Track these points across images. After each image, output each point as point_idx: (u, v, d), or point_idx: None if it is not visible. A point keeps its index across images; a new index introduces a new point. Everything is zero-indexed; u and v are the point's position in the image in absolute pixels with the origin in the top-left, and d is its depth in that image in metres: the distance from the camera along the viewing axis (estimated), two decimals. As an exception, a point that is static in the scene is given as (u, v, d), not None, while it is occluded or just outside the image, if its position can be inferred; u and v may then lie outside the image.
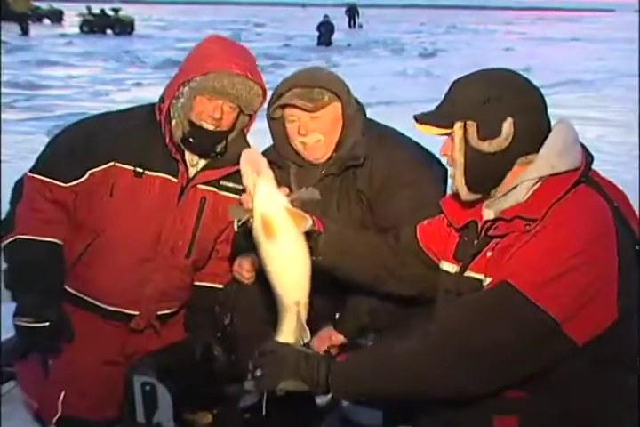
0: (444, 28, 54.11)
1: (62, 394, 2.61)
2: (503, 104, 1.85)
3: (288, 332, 1.92)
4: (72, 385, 2.62)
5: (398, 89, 15.03)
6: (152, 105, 2.61)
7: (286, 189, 1.95)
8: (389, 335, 2.56)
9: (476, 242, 1.95)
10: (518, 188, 1.86)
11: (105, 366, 2.66)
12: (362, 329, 2.67)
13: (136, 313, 2.68)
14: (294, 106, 2.53)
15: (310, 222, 1.94)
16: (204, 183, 2.62)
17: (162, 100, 2.52)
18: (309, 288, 1.92)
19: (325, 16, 31.53)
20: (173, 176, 2.58)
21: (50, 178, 2.54)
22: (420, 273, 2.18)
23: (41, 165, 2.58)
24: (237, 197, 2.60)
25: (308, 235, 1.98)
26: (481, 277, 1.88)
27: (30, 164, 2.63)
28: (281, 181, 2.62)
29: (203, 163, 2.62)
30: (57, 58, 22.12)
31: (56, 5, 49.96)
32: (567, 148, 1.87)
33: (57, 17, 47.21)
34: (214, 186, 2.64)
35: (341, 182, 2.62)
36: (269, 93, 2.58)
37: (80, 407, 2.62)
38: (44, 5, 48.57)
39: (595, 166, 1.93)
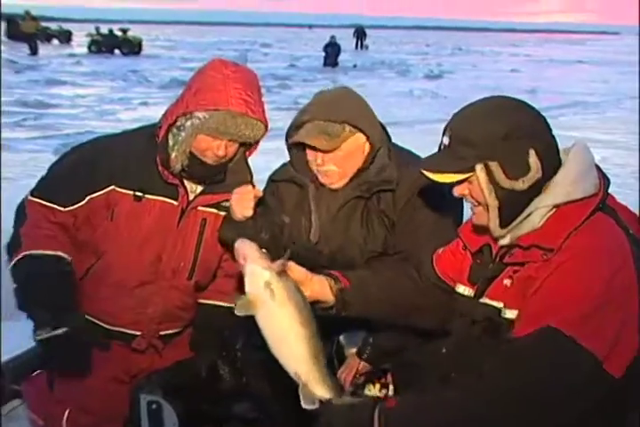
0: (450, 49, 54.45)
1: (67, 411, 2.61)
2: (522, 137, 1.77)
3: (317, 386, 1.84)
4: (77, 402, 2.61)
5: (404, 110, 15.11)
6: (153, 127, 2.60)
7: (279, 263, 1.87)
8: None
9: (490, 266, 1.93)
10: (533, 215, 1.81)
11: (110, 383, 2.65)
12: (385, 355, 2.67)
13: (138, 333, 2.68)
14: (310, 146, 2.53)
15: (288, 303, 1.84)
16: (203, 205, 2.63)
17: (160, 124, 2.52)
18: (316, 354, 1.85)
19: (332, 37, 31.68)
20: (173, 199, 2.58)
21: (49, 202, 2.54)
22: (440, 301, 2.12)
23: (41, 189, 2.59)
24: None
25: (333, 292, 2.01)
26: (498, 305, 1.85)
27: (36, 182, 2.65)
28: (300, 200, 2.67)
29: (201, 187, 2.62)
30: (65, 77, 22.26)
31: (65, 26, 50.39)
32: (583, 174, 1.82)
33: (66, 37, 47.57)
34: (214, 207, 2.64)
35: (365, 205, 2.61)
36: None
37: (84, 425, 2.61)
38: (53, 26, 48.96)
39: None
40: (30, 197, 2.57)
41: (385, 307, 2.16)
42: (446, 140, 1.84)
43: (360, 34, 47.87)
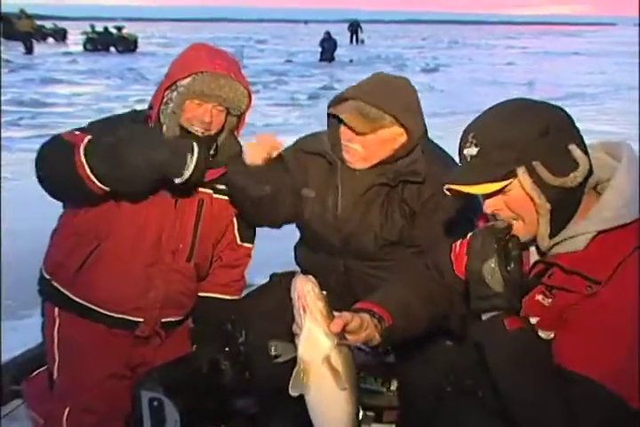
0: (446, 43, 54.36)
1: (67, 410, 2.61)
2: (561, 131, 1.68)
3: None
4: (76, 400, 2.61)
5: (401, 104, 15.02)
6: (133, 111, 2.65)
7: (339, 325, 1.78)
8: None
9: (525, 279, 1.82)
10: (577, 238, 1.71)
11: (110, 379, 2.64)
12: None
13: (140, 320, 2.68)
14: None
15: (345, 383, 1.76)
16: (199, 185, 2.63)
17: (150, 106, 2.55)
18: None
19: (327, 32, 31.62)
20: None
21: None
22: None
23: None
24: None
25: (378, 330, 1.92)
26: (530, 319, 1.78)
27: (35, 181, 2.62)
28: (328, 176, 2.66)
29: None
30: (61, 76, 22.20)
31: (60, 24, 50.27)
32: (636, 192, 1.70)
33: (61, 35, 47.46)
34: (209, 188, 2.65)
35: (388, 193, 2.61)
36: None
37: (85, 423, 2.61)
38: (48, 24, 48.83)
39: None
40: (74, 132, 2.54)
41: (424, 324, 2.09)
42: (472, 151, 1.70)
43: (355, 28, 47.76)
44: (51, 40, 47.03)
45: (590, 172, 1.71)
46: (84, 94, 17.78)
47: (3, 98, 16.06)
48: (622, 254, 1.66)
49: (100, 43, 38.10)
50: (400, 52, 39.66)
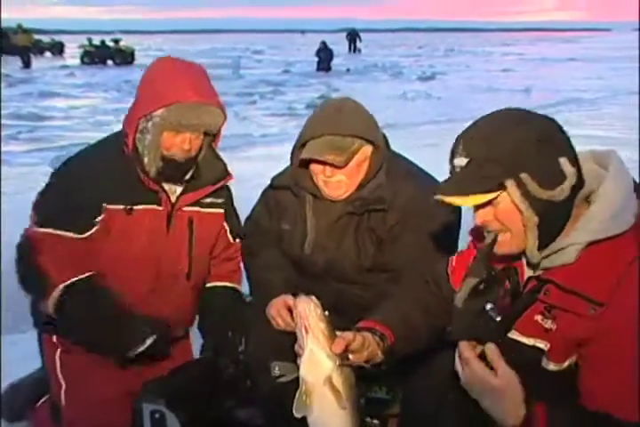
0: (443, 50, 54.52)
1: None
2: (550, 143, 1.66)
3: None
4: (90, 422, 2.58)
5: (398, 112, 15.06)
6: (116, 137, 2.60)
7: (340, 345, 1.79)
8: None
9: (512, 282, 1.83)
10: (567, 250, 1.69)
11: (124, 397, 2.60)
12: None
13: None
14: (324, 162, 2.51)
15: (346, 403, 1.75)
16: (187, 205, 2.64)
17: (125, 134, 2.52)
18: None
19: (323, 42, 31.69)
20: (158, 205, 2.59)
21: (64, 231, 2.51)
22: None
23: (50, 219, 2.53)
24: (218, 210, 2.73)
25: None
26: (529, 342, 1.77)
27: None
28: (298, 209, 2.68)
29: (180, 188, 2.63)
30: (59, 89, 22.22)
31: (57, 38, 50.40)
32: (625, 202, 1.69)
33: (58, 49, 47.67)
34: (196, 205, 2.67)
35: (357, 221, 2.61)
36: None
37: None
38: (45, 38, 48.97)
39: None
40: (39, 229, 2.53)
41: (425, 337, 2.09)
42: (462, 162, 1.69)
43: (353, 37, 47.89)
44: (48, 54, 47.23)
45: (581, 183, 1.70)
46: (81, 107, 17.80)
47: (2, 112, 16.11)
48: (618, 270, 1.63)
49: (97, 56, 38.25)
50: (397, 60, 39.76)
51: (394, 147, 2.72)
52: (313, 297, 1.82)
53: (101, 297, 2.50)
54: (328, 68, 30.70)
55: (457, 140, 1.73)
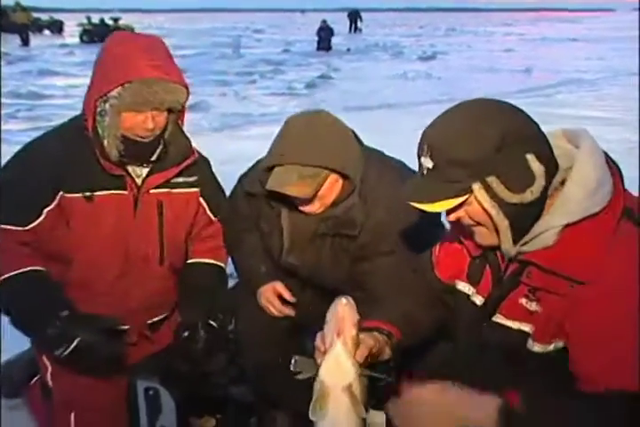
0: (443, 30, 54.26)
1: (73, 414, 2.55)
2: (516, 142, 1.60)
3: None
4: (80, 402, 2.56)
5: (398, 92, 15.00)
6: (80, 119, 2.48)
7: (364, 356, 1.79)
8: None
9: (501, 279, 1.81)
10: (545, 234, 1.67)
11: (109, 378, 2.58)
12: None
13: (126, 328, 2.64)
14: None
15: (364, 412, 1.75)
16: (154, 187, 2.56)
17: (84, 117, 2.41)
18: None
19: (324, 21, 31.54)
20: (123, 190, 2.51)
21: (7, 225, 2.43)
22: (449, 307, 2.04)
23: None
24: (191, 190, 2.62)
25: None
26: (514, 325, 1.77)
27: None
28: (273, 215, 2.59)
29: (146, 170, 2.54)
30: (58, 68, 22.14)
31: (56, 16, 50.10)
32: (599, 181, 1.65)
33: (57, 27, 47.40)
34: (166, 187, 2.57)
35: (332, 240, 2.55)
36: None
37: (94, 422, 2.56)
38: (44, 16, 48.68)
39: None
40: None
41: (427, 329, 2.09)
42: (428, 163, 1.64)
43: (355, 17, 47.62)
44: (47, 32, 46.94)
45: (555, 169, 1.66)
46: (80, 86, 17.64)
47: (1, 90, 16.08)
48: (597, 248, 1.62)
49: (96, 34, 37.93)
50: (397, 40, 39.56)
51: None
52: (351, 300, 1.81)
53: (35, 292, 2.41)
54: (328, 48, 30.56)
55: (422, 137, 1.69)
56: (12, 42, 34.17)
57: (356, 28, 47.59)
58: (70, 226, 2.47)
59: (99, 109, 2.35)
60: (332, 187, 2.45)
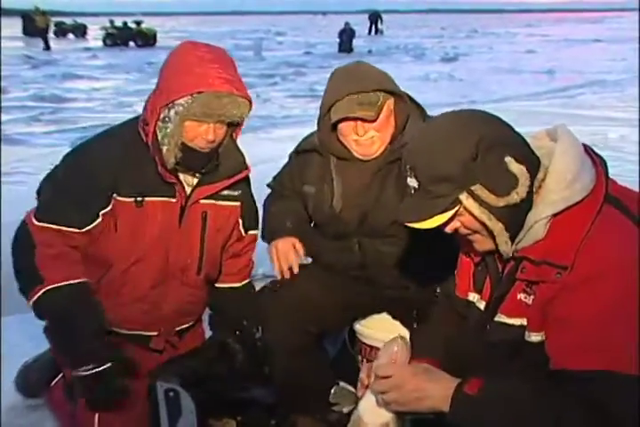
0: (465, 32, 54.05)
1: (97, 416, 2.53)
2: (492, 148, 1.66)
3: None
4: None
5: (421, 94, 14.87)
6: (135, 123, 2.50)
7: None
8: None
9: (498, 279, 1.86)
10: (534, 227, 1.71)
11: (133, 381, 2.52)
12: None
13: (154, 334, 2.67)
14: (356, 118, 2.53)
15: None
16: (202, 198, 2.58)
17: (145, 122, 2.42)
18: None
19: (346, 23, 31.56)
20: (172, 197, 2.52)
21: (65, 226, 2.44)
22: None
23: (51, 214, 2.45)
24: (234, 203, 2.65)
25: None
26: (514, 322, 1.79)
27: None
28: (323, 170, 2.70)
29: (196, 180, 2.56)
30: (81, 71, 22.28)
31: (79, 20, 50.49)
32: (578, 171, 1.71)
33: (81, 31, 47.79)
34: (212, 198, 2.59)
35: (394, 170, 2.59)
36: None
37: (117, 425, 2.54)
38: (68, 20, 49.08)
39: (618, 166, 1.85)
40: (39, 223, 2.44)
41: None
42: (414, 183, 1.71)
43: (375, 18, 47.60)
44: (71, 36, 47.32)
45: (537, 168, 1.72)
46: (103, 89, 17.84)
47: (24, 94, 16.21)
48: (580, 234, 1.66)
49: (119, 38, 38.36)
50: (419, 41, 39.50)
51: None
52: (407, 339, 1.82)
53: (80, 307, 2.41)
54: (350, 50, 30.57)
55: (403, 158, 1.75)
56: (36, 46, 34.50)
57: (377, 30, 47.55)
58: (117, 231, 2.49)
59: (162, 116, 2.36)
60: (389, 118, 2.58)
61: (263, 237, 2.86)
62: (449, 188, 1.66)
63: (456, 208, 1.69)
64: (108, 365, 2.34)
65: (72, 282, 2.41)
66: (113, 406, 2.45)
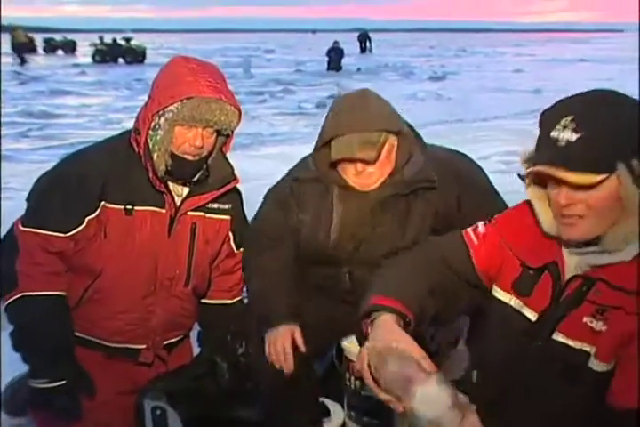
0: (454, 51, 54.44)
1: None
2: None
3: None
4: (89, 418, 2.53)
5: (409, 112, 14.91)
6: (128, 134, 2.54)
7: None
8: None
9: (564, 297, 1.70)
10: (626, 249, 1.58)
11: (119, 396, 2.60)
12: None
13: (142, 347, 2.66)
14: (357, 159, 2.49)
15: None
16: (192, 209, 2.59)
17: (137, 131, 2.45)
18: None
19: (335, 42, 31.70)
20: (161, 208, 2.53)
21: (47, 230, 2.46)
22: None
23: (35, 218, 2.49)
24: (223, 217, 2.66)
25: None
26: (576, 346, 1.66)
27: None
28: (323, 198, 2.63)
29: (187, 190, 2.57)
30: (70, 87, 22.30)
31: (69, 36, 50.56)
32: None
33: (70, 48, 47.86)
34: (201, 210, 2.61)
35: (406, 202, 2.57)
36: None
37: None
38: (57, 37, 49.14)
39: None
40: (23, 228, 2.48)
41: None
42: (571, 137, 1.55)
43: (364, 38, 47.82)
44: (60, 52, 47.35)
45: None
46: (92, 105, 17.85)
47: (12, 110, 16.18)
48: None
49: (108, 54, 38.37)
50: (408, 60, 39.70)
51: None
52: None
53: (49, 320, 2.45)
54: (339, 68, 30.68)
55: (562, 111, 1.62)
56: (25, 61, 34.49)
57: (365, 49, 47.76)
58: (106, 238, 2.50)
59: (153, 124, 2.40)
60: (389, 155, 2.53)
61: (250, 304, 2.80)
62: (611, 152, 1.52)
63: (605, 176, 1.53)
64: (62, 382, 2.41)
65: (48, 293, 2.46)
66: (73, 419, 2.48)
